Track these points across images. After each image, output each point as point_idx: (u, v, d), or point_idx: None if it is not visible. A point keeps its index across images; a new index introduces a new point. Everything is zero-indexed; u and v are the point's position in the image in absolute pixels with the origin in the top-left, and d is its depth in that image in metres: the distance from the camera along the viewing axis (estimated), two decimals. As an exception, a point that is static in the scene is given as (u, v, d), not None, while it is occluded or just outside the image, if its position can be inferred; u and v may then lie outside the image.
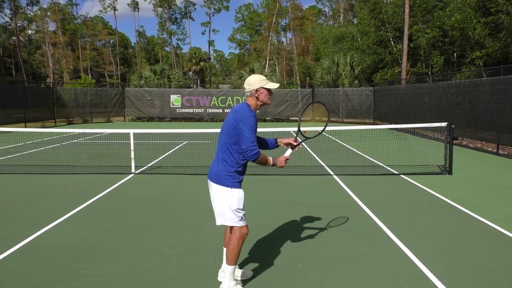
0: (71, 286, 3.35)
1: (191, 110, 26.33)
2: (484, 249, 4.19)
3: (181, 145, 13.21)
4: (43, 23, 54.52)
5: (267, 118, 26.35)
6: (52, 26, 57.99)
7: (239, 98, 25.62)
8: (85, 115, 25.89)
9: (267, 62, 54.04)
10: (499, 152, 11.16)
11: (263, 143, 3.41)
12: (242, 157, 3.11)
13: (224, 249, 3.38)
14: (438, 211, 5.58)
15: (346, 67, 29.86)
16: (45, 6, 59.48)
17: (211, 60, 71.14)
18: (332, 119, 24.29)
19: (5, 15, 55.83)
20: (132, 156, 8.48)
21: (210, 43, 72.05)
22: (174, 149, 12.10)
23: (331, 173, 8.36)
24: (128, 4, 68.33)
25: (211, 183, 3.19)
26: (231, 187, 3.10)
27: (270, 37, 57.68)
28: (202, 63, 51.39)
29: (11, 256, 4.00)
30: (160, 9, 69.28)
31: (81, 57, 58.99)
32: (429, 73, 24.48)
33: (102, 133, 16.86)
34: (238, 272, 3.42)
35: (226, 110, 25.68)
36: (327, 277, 3.54)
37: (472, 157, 10.72)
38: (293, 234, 4.61)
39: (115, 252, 4.07)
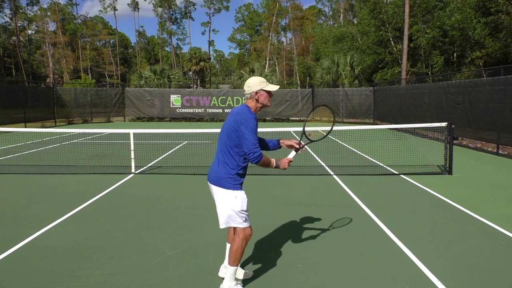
0: (71, 286, 3.35)
1: (191, 110, 26.33)
2: (484, 249, 4.19)
3: (181, 145, 13.21)
4: (43, 23, 54.52)
5: (267, 118, 26.35)
6: (52, 26, 58.11)
7: (239, 98, 25.64)
8: (85, 115, 25.89)
9: (267, 62, 54.07)
10: (499, 152, 11.16)
11: (263, 144, 3.38)
12: (243, 160, 3.10)
13: (228, 245, 3.35)
14: (438, 211, 5.58)
15: (346, 67, 29.86)
16: (45, 6, 59.63)
17: (211, 60, 71.20)
18: (332, 119, 24.26)
19: (5, 15, 56.05)
20: (132, 156, 8.49)
21: (210, 43, 72.16)
22: (174, 149, 12.10)
23: (331, 173, 8.36)
24: (128, 4, 68.49)
25: (212, 186, 3.16)
26: (233, 189, 3.08)
27: (270, 37, 57.68)
28: (202, 63, 51.44)
29: (11, 256, 4.00)
30: (160, 9, 69.40)
31: (81, 57, 58.99)
32: (429, 73, 24.48)
33: (102, 133, 16.86)
34: (241, 272, 3.41)
35: (226, 110, 25.68)
36: (328, 277, 3.54)
37: (472, 157, 10.72)
38: (293, 234, 4.61)
39: (115, 252, 4.07)
